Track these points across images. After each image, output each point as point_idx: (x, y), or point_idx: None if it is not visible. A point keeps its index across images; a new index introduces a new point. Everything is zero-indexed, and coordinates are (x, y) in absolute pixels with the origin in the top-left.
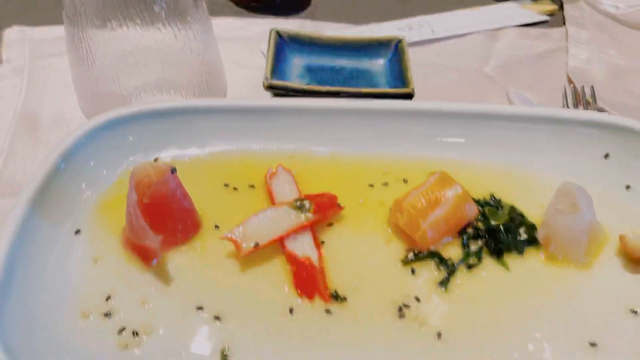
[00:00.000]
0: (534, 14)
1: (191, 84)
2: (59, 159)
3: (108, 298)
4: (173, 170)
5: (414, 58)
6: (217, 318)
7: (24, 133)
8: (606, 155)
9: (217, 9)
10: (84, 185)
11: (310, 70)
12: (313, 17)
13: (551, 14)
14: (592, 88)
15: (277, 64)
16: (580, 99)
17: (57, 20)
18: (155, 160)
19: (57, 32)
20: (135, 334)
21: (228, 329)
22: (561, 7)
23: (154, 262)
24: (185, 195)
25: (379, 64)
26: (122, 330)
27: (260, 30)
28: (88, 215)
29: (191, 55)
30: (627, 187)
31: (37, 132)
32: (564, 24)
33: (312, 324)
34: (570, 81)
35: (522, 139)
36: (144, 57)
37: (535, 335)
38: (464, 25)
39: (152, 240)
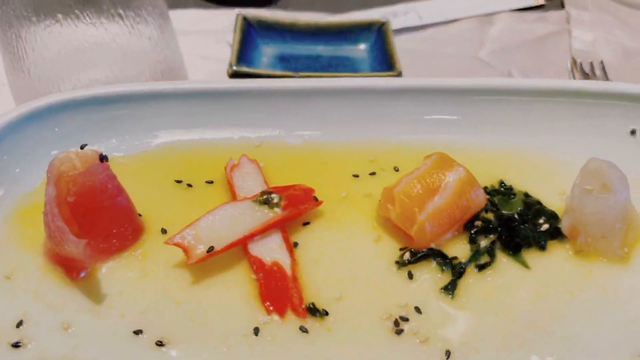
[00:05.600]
0: None
1: (144, 78)
2: None
3: (19, 324)
4: (102, 158)
5: (399, 47)
6: (159, 344)
7: None
8: (632, 132)
9: (181, 1)
10: None
11: (283, 60)
12: (286, 7)
13: None
14: (602, 63)
15: (245, 52)
16: (590, 76)
17: None
18: (82, 148)
19: None
20: None
21: (174, 357)
22: None
23: (81, 274)
24: (119, 190)
25: (360, 50)
26: None
27: (227, 21)
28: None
29: (141, 42)
30: None
31: None
32: (562, 7)
33: (284, 347)
34: (575, 63)
35: (532, 117)
36: (90, 53)
37: (567, 348)
38: (454, 10)
39: (74, 245)
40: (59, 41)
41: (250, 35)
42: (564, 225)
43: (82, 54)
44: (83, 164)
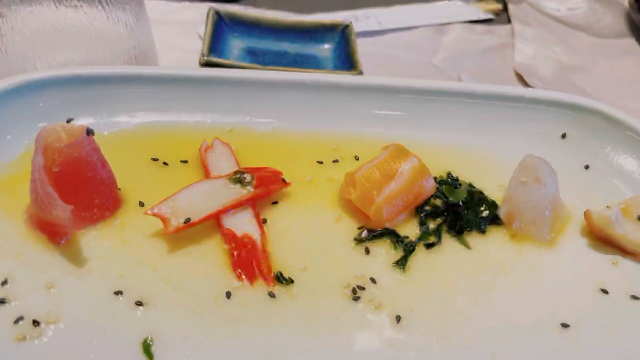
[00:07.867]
0: (480, 11)
1: (118, 62)
2: None
3: (4, 282)
4: (89, 132)
5: (360, 49)
6: (138, 304)
7: None
8: (563, 135)
9: None
10: None
11: (251, 54)
12: (255, 4)
13: (496, 13)
14: None
15: (215, 45)
16: None
17: None
18: (68, 122)
19: None
20: (35, 323)
21: (152, 316)
22: (505, 7)
23: (63, 240)
24: (103, 163)
25: (324, 49)
26: (19, 319)
27: (198, 14)
28: None
29: (117, 27)
30: (586, 167)
31: None
32: (509, 22)
33: (253, 309)
34: (517, 75)
35: (477, 117)
36: (67, 34)
37: (501, 316)
38: (411, 18)
39: (61, 210)
40: (38, 21)
41: (220, 28)
42: (501, 212)
43: (59, 34)
44: (69, 136)
